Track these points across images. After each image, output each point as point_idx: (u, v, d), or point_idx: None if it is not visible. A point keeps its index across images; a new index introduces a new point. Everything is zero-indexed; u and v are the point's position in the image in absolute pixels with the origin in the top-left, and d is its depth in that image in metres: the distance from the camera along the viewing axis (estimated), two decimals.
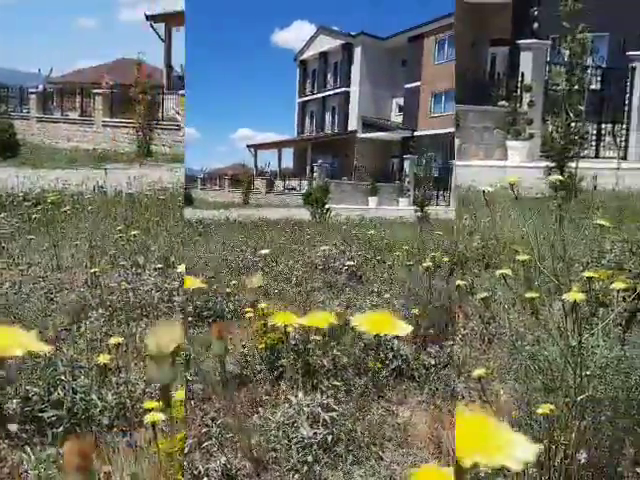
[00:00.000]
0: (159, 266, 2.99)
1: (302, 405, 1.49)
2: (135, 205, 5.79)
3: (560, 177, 5.20)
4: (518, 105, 10.43)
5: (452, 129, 23.73)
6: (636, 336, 1.56)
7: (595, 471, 1.22)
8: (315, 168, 21.99)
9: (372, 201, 19.90)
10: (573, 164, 7.27)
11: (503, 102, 10.71)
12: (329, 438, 1.39)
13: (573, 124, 7.36)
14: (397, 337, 2.40)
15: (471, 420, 0.33)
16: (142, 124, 13.19)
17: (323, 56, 27.76)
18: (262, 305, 2.28)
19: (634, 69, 10.74)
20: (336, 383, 1.65)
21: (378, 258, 4.23)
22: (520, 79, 10.60)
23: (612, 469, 1.24)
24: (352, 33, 26.18)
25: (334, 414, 1.40)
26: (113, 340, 1.68)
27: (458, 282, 2.14)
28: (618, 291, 1.38)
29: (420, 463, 1.44)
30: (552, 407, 1.17)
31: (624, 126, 10.90)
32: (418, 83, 24.87)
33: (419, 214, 12.55)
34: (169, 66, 17.20)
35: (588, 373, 1.23)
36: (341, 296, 3.25)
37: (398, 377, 2.14)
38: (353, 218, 10.74)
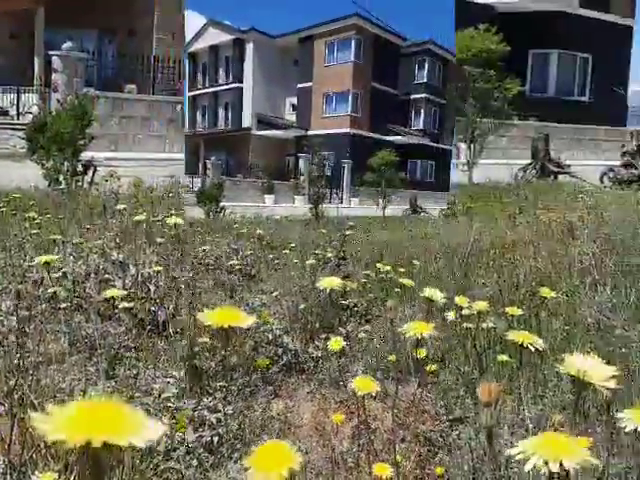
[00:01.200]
0: None
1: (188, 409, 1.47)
2: None
3: None
4: None
5: (345, 129, 24.73)
6: None
7: None
8: (208, 165, 21.37)
9: (268, 199, 19.92)
10: None
11: None
12: (215, 440, 1.40)
13: None
14: (287, 333, 2.46)
15: (104, 405, 0.37)
16: None
17: (214, 50, 27.04)
18: None
19: None
20: (222, 384, 1.65)
21: (271, 256, 4.27)
22: None
23: None
24: (243, 28, 25.89)
25: (219, 415, 1.41)
26: None
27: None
28: None
29: (305, 451, 1.51)
30: None
31: None
32: (310, 83, 25.46)
33: (314, 212, 12.90)
34: None
35: None
36: (235, 296, 3.24)
37: (288, 372, 2.21)
38: (249, 216, 10.67)
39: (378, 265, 3.32)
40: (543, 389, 1.67)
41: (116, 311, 1.77)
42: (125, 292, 1.90)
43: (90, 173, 7.24)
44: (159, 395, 1.32)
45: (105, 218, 3.69)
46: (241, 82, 28.15)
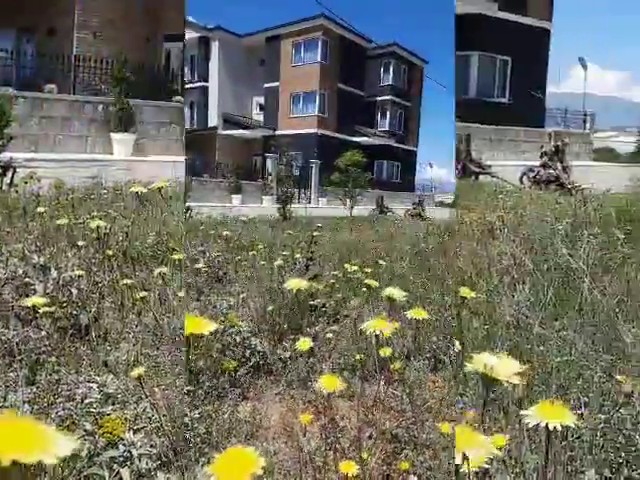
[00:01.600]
0: None
1: None
2: None
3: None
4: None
5: (312, 130, 24.77)
6: None
7: None
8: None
9: (235, 199, 19.73)
10: None
11: (178, 97, 11.14)
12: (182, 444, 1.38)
13: None
14: (255, 334, 2.46)
15: (14, 422, 0.37)
16: None
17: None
18: None
19: None
20: (189, 388, 1.64)
21: (238, 258, 4.24)
22: None
23: None
24: (209, 26, 25.52)
25: (186, 419, 1.40)
26: None
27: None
28: None
29: (273, 452, 1.52)
30: None
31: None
32: (277, 83, 25.36)
33: (282, 212, 12.87)
34: None
35: None
36: (201, 298, 3.20)
37: (256, 373, 2.20)
38: (216, 216, 10.53)
39: (346, 265, 3.36)
40: (464, 387, 1.75)
41: (37, 315, 1.72)
42: (46, 297, 1.84)
43: (9, 175, 6.97)
44: (82, 400, 1.30)
45: (25, 221, 3.55)
46: (207, 81, 27.75)
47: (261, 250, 3.77)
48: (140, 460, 1.16)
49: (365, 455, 1.33)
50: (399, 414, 1.83)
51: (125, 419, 1.26)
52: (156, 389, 1.54)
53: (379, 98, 27.58)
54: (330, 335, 2.42)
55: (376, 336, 1.12)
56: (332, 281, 3.20)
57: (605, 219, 4.00)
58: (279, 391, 2.05)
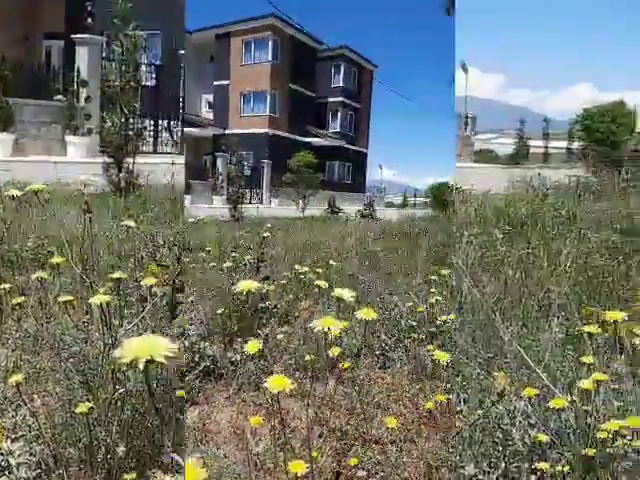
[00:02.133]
0: None
1: None
2: None
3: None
4: (75, 100, 10.68)
5: (264, 129, 24.59)
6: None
7: (137, 459, 1.32)
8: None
9: (185, 199, 19.23)
10: (130, 159, 7.54)
11: (59, 96, 11.01)
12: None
13: (130, 120, 7.69)
14: (204, 338, 2.42)
15: None
16: None
17: None
18: None
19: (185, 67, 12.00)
20: None
21: (187, 259, 4.15)
22: (76, 74, 10.86)
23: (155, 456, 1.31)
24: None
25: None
26: None
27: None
28: (150, 287, 1.54)
29: (223, 455, 1.51)
30: (91, 405, 1.22)
31: (179, 123, 11.98)
32: (227, 81, 24.96)
33: (233, 212, 12.69)
34: None
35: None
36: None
37: (206, 377, 2.17)
38: None
39: (297, 266, 3.37)
40: None
41: None
42: None
43: None
44: None
45: None
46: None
47: (211, 251, 3.71)
48: (19, 469, 1.13)
49: (315, 454, 1.35)
50: (348, 412, 1.86)
51: (3, 427, 1.21)
52: (35, 396, 1.48)
53: (330, 99, 27.83)
54: (281, 336, 2.43)
55: (325, 334, 1.14)
56: (283, 282, 3.20)
57: (486, 219, 4.22)
58: (229, 395, 2.04)
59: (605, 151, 14.43)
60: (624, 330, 1.37)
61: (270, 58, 24.23)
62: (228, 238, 5.58)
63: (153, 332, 1.60)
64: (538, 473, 1.22)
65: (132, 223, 1.76)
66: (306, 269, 3.23)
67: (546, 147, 20.25)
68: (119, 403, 1.30)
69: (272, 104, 24.49)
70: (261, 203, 18.12)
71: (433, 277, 2.93)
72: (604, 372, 1.30)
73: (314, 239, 6.22)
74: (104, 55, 10.43)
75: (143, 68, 9.50)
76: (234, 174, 15.82)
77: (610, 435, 1.15)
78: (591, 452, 1.21)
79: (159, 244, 2.31)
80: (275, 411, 1.51)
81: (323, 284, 1.85)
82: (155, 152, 11.29)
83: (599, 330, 1.35)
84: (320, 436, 1.65)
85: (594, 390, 1.26)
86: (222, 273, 2.95)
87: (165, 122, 11.82)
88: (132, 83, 7.59)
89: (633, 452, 1.13)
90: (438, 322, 2.41)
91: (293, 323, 2.84)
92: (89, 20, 11.38)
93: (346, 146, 28.01)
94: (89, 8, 11.47)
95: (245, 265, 3.20)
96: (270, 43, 24.02)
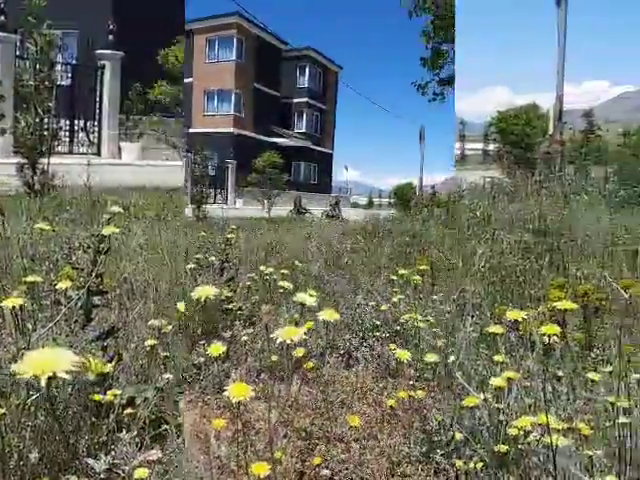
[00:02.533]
0: None
1: None
2: None
3: None
4: None
5: (228, 129, 24.28)
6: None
7: (51, 465, 1.30)
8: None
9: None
10: (45, 160, 7.35)
11: None
12: None
13: (45, 120, 7.49)
14: (168, 342, 2.37)
15: None
16: None
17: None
18: None
19: (103, 67, 11.55)
20: None
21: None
22: None
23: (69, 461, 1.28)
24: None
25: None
26: None
27: None
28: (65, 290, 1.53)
29: (186, 459, 1.48)
30: (3, 411, 1.18)
31: (96, 123, 11.59)
32: (190, 79, 24.50)
33: (196, 213, 12.46)
34: None
35: None
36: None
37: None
38: None
39: (262, 267, 3.35)
40: None
41: None
42: None
43: None
44: None
45: None
46: None
47: (174, 253, 3.63)
48: None
49: (279, 454, 1.35)
50: (313, 411, 1.87)
51: None
52: None
53: (295, 100, 27.81)
54: (245, 338, 2.41)
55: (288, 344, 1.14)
56: (248, 283, 3.18)
57: None
58: (192, 398, 2.01)
59: (519, 153, 14.89)
60: (534, 328, 1.43)
61: (235, 57, 23.97)
62: (191, 239, 5.47)
63: (67, 336, 1.58)
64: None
65: (46, 226, 1.70)
66: (271, 270, 3.22)
67: (463, 149, 20.81)
68: (32, 409, 1.27)
69: (237, 103, 24.24)
70: (226, 204, 17.90)
71: (394, 277, 2.98)
72: (516, 370, 1.35)
73: (280, 240, 6.21)
74: (18, 53, 9.96)
75: (58, 67, 9.18)
76: (198, 174, 15.53)
77: (521, 432, 1.17)
78: (503, 449, 1.24)
79: (75, 246, 2.24)
80: (238, 414, 1.50)
81: (288, 285, 1.85)
82: (71, 152, 10.79)
83: (502, 330, 1.41)
84: (285, 436, 1.66)
85: (506, 388, 1.31)
86: (185, 275, 2.90)
87: (81, 122, 11.42)
88: (47, 82, 7.35)
89: (543, 448, 1.16)
90: (401, 320, 2.46)
91: (258, 324, 2.83)
92: (1, 17, 10.80)
93: (312, 147, 28.06)
94: (1, 5, 10.90)
95: (208, 267, 3.16)
96: (235, 42, 23.76)
